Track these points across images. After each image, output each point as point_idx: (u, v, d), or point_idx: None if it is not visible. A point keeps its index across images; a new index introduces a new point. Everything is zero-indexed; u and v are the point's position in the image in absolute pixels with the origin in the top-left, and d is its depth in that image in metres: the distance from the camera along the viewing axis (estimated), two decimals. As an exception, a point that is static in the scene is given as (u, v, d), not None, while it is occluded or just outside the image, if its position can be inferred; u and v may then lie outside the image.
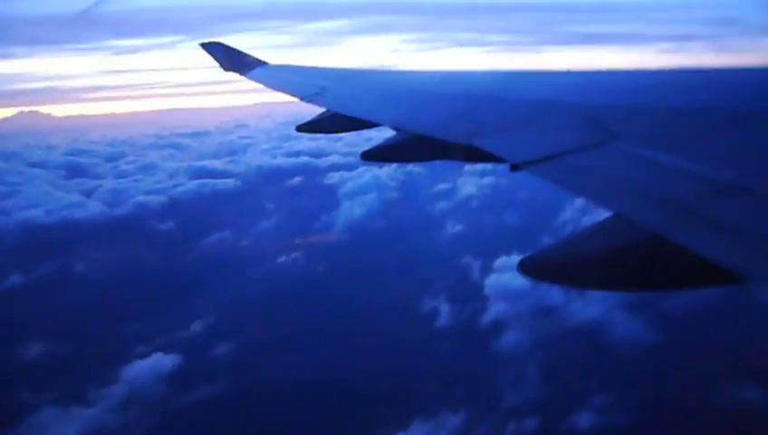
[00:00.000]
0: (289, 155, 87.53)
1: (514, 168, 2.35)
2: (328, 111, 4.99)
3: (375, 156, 3.82)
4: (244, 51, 9.11)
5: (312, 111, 5.25)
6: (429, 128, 3.46)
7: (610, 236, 1.77)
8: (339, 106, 4.95)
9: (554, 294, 36.04)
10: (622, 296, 35.73)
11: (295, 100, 5.98)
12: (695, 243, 1.46)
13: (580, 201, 55.63)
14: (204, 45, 9.06)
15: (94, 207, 59.45)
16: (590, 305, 35.50)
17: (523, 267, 1.84)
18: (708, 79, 3.27)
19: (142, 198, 61.83)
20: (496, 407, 27.53)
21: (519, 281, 37.68)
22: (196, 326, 33.79)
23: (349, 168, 75.65)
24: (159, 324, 34.34)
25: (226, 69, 8.47)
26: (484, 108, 3.67)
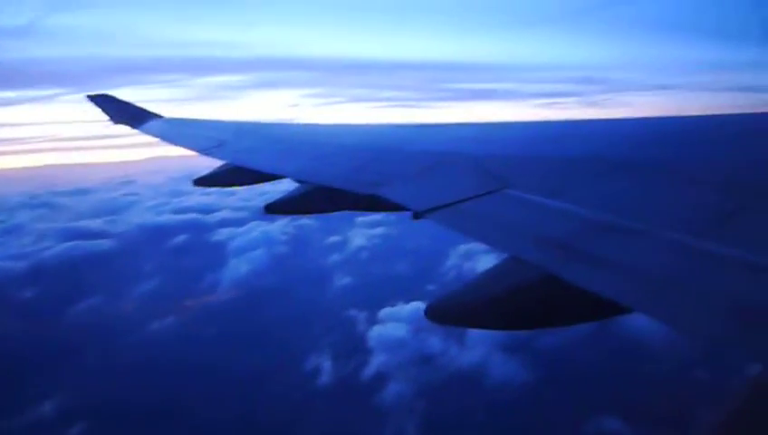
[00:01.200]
0: (176, 212, 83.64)
1: (417, 216, 2.43)
2: (227, 164, 4.80)
3: (279, 209, 3.71)
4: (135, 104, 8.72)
5: (210, 164, 5.00)
6: (333, 179, 3.44)
7: (508, 278, 1.82)
8: (239, 159, 4.80)
9: (434, 341, 36.55)
10: (498, 338, 36.96)
11: (190, 154, 5.73)
12: (582, 279, 1.54)
13: (463, 248, 57.92)
14: (91, 97, 8.64)
15: (-59, 277, 52.68)
16: (468, 350, 36.27)
17: (430, 313, 1.86)
18: (583, 130, 3.57)
19: (2, 264, 55.78)
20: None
21: (401, 331, 37.92)
22: (44, 409, 30.22)
23: (238, 223, 73.70)
24: (7, 407, 30.38)
25: (117, 122, 8.04)
26: (385, 159, 3.71)
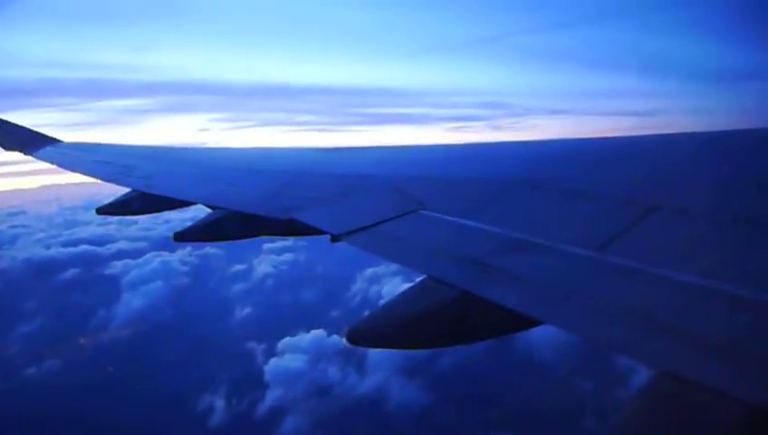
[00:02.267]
0: (67, 244, 77.93)
1: (335, 239, 2.43)
2: (134, 190, 4.50)
3: (189, 237, 3.51)
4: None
5: (112, 191, 4.69)
6: (247, 204, 3.36)
7: (426, 297, 1.83)
8: (147, 185, 4.51)
9: (332, 370, 36.15)
10: (397, 363, 37.17)
11: (88, 180, 5.43)
12: (495, 295, 1.61)
13: (370, 272, 58.16)
14: None
15: None
16: (368, 376, 36.15)
17: (350, 336, 1.85)
18: (492, 152, 3.74)
19: None
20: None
21: (299, 362, 37.18)
22: None
23: (136, 254, 69.85)
24: None
25: (8, 149, 7.31)
26: (300, 183, 3.65)
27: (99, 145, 7.35)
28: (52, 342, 44.69)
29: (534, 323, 1.56)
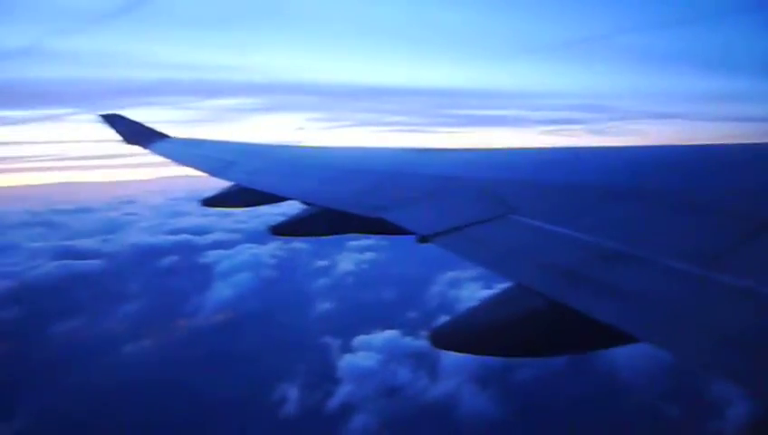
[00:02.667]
0: (170, 233, 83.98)
1: (422, 240, 2.41)
2: (235, 185, 4.82)
3: (284, 231, 3.70)
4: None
5: (216, 184, 4.99)
6: (339, 202, 3.45)
7: (513, 305, 1.80)
8: (247, 180, 4.82)
9: (403, 372, 36.05)
10: (471, 370, 36.40)
11: (196, 175, 5.74)
12: (588, 307, 1.53)
13: (450, 275, 57.49)
14: (104, 117, 8.70)
15: (-74, 296, 52.98)
16: (440, 382, 35.71)
17: (433, 339, 1.85)
18: (589, 157, 3.55)
19: (-12, 283, 56.06)
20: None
21: (371, 361, 37.45)
22: (11, 429, 30.04)
23: (229, 245, 73.81)
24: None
25: (128, 142, 8.09)
26: (391, 183, 3.69)
27: (205, 141, 7.87)
28: (149, 322, 48.36)
29: (628, 340, 1.48)
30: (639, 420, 32.23)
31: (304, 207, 3.88)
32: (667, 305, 1.50)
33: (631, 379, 36.09)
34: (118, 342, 44.06)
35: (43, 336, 45.91)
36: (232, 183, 4.95)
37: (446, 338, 1.93)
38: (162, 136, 8.37)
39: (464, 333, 1.94)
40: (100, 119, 8.89)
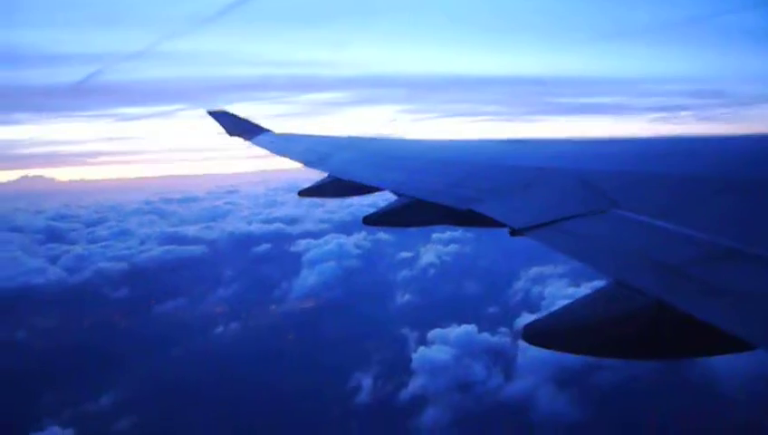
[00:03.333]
0: (265, 221, 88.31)
1: (514, 233, 2.36)
2: (330, 176, 5.10)
3: (376, 221, 3.81)
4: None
5: (312, 176, 5.37)
6: (430, 193, 3.51)
7: (612, 303, 1.77)
8: (341, 172, 5.06)
9: (477, 368, 35.35)
10: (548, 370, 35.00)
11: (294, 167, 6.17)
12: (696, 309, 1.43)
13: (535, 271, 55.52)
14: (211, 113, 9.44)
15: (54, 274, 59.72)
16: (514, 381, 34.68)
17: (527, 334, 1.84)
18: (700, 147, 3.38)
19: (104, 265, 62.14)
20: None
21: (446, 355, 37.11)
22: (106, 399, 33.23)
23: (318, 235, 76.23)
24: (73, 396, 33.80)
25: (232, 135, 8.75)
26: (482, 174, 3.72)
27: (302, 135, 8.31)
28: (239, 306, 51.29)
29: (739, 347, 1.37)
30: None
31: (395, 198, 3.89)
32: None
33: (732, 392, 32.92)
34: (210, 323, 47.12)
35: (149, 314, 50.17)
36: (327, 174, 5.11)
37: (541, 334, 1.84)
38: (263, 130, 8.78)
39: (559, 329, 1.86)
40: (208, 114, 9.43)
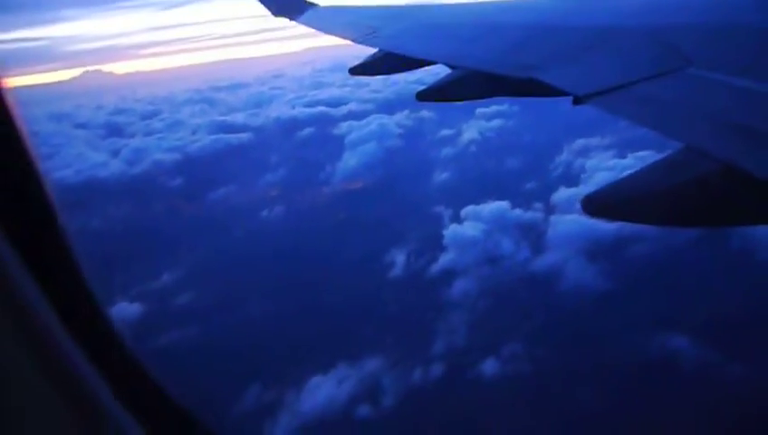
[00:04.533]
0: (309, 105, 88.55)
1: (578, 101, 2.24)
2: (380, 51, 4.87)
3: (430, 96, 3.69)
4: None
5: (361, 52, 5.20)
6: (486, 63, 3.35)
7: (679, 170, 1.65)
8: (392, 46, 4.83)
9: (507, 244, 36.26)
10: (579, 243, 35.48)
11: (345, 42, 5.98)
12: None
13: (581, 143, 53.97)
14: None
15: (116, 167, 63.86)
16: (544, 254, 35.50)
17: (587, 205, 1.77)
18: None
19: (160, 156, 65.59)
20: (421, 354, 29.01)
21: (476, 230, 38.10)
22: (167, 277, 37.05)
23: (360, 116, 76.06)
24: (140, 276, 37.86)
25: (277, 15, 8.37)
26: (543, 37, 3.48)
27: (348, 8, 8.02)
28: (283, 191, 53.65)
29: None
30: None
31: (447, 71, 3.67)
32: None
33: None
34: (259, 207, 49.89)
35: (203, 201, 53.53)
36: (377, 50, 4.89)
37: (603, 204, 1.74)
38: (308, 5, 8.26)
39: (621, 199, 1.74)
40: None
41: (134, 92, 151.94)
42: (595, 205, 1.72)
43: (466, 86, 3.36)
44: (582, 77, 2.46)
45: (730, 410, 22.45)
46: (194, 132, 78.12)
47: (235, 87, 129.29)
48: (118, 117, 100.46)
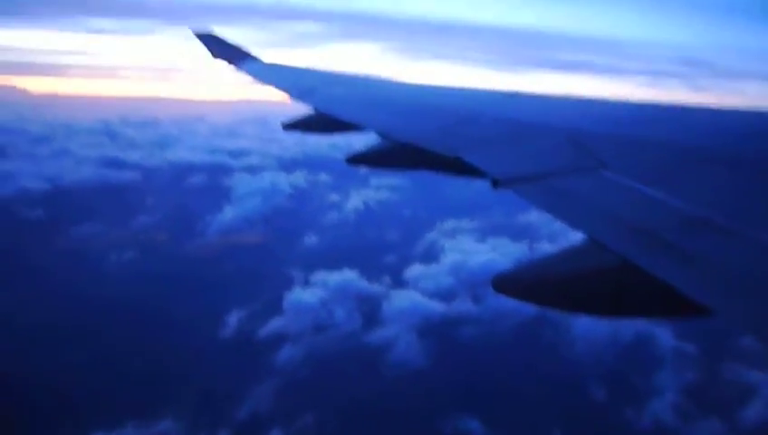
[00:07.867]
0: (210, 152, 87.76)
1: (497, 184, 2.36)
2: (316, 110, 4.95)
3: (360, 161, 3.77)
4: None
5: (294, 110, 5.22)
6: (418, 137, 3.49)
7: (582, 260, 1.80)
8: (328, 107, 4.92)
9: (339, 313, 36.69)
10: (413, 321, 36.40)
11: (279, 98, 6.01)
12: (662, 272, 1.49)
13: (451, 224, 56.36)
14: (197, 34, 8.90)
15: (-25, 189, 59.56)
16: (377, 328, 36.06)
17: (497, 283, 1.87)
18: (688, 116, 3.41)
19: (28, 183, 61.99)
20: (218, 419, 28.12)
21: (315, 298, 38.30)
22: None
23: (257, 170, 76.06)
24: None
25: (217, 58, 8.29)
26: (471, 123, 3.74)
27: (289, 66, 8.02)
28: (151, 236, 52.02)
29: (701, 312, 1.40)
30: (559, 395, 31.09)
31: (375, 140, 3.85)
32: (747, 279, 1.41)
33: (580, 353, 34.66)
34: (106, 252, 47.80)
35: (52, 237, 50.51)
36: (312, 109, 4.99)
37: (509, 284, 1.86)
38: (251, 57, 8.35)
39: (528, 281, 1.88)
40: (193, 35, 8.90)
41: (38, 113, 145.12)
42: (503, 283, 1.84)
43: (397, 156, 3.57)
44: (504, 163, 2.65)
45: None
46: (78, 163, 74.89)
47: (146, 124, 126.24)
48: (6, 136, 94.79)
